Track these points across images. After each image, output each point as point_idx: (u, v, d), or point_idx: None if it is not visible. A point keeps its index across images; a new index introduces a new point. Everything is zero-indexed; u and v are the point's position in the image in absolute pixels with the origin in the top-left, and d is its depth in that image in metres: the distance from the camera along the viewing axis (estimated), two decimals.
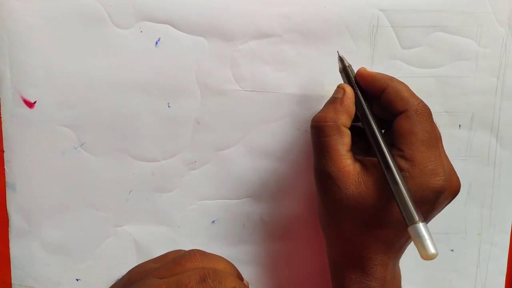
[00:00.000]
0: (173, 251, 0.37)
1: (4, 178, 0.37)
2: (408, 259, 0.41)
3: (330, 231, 0.34)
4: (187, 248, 0.36)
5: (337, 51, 0.35)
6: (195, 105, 0.37)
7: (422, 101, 0.32)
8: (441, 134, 0.39)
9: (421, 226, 0.28)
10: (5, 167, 0.37)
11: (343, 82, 0.34)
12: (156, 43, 0.36)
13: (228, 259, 0.32)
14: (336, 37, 0.37)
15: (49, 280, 0.38)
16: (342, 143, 0.31)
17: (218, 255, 0.32)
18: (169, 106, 0.37)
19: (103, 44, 0.35)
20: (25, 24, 0.35)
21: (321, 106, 0.38)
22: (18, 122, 0.36)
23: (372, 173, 0.31)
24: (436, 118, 0.39)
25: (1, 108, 0.36)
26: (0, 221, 0.37)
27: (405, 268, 0.41)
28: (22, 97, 0.36)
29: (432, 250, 0.27)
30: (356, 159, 0.32)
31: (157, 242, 0.39)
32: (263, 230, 0.39)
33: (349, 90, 0.33)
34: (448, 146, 0.40)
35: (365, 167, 0.32)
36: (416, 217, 0.28)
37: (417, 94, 0.39)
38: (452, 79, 0.39)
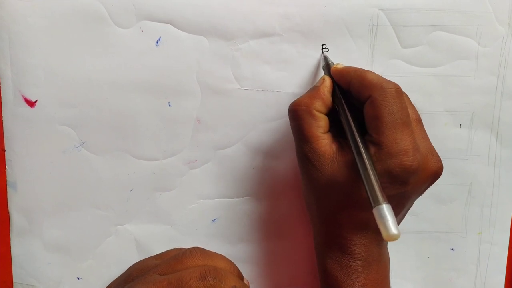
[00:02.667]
0: (174, 248, 0.37)
1: (5, 177, 0.37)
2: (408, 258, 0.41)
3: (311, 211, 0.35)
4: (187, 247, 0.36)
5: (322, 49, 0.37)
6: (196, 104, 0.37)
7: (386, 83, 0.31)
8: (442, 134, 0.39)
9: (384, 207, 0.28)
10: (6, 166, 0.37)
11: None
12: (157, 42, 0.36)
13: (228, 258, 0.32)
14: (336, 37, 0.37)
15: (50, 279, 0.38)
16: (317, 126, 0.33)
17: (218, 253, 0.32)
18: (169, 105, 0.37)
19: (104, 43, 0.36)
20: (26, 23, 0.35)
21: None
22: (19, 121, 0.36)
23: (346, 154, 0.32)
24: (436, 118, 0.39)
25: (2, 107, 0.36)
26: (1, 220, 0.37)
27: (405, 267, 0.41)
28: (23, 96, 0.36)
29: (393, 230, 0.27)
30: (335, 140, 0.33)
31: (157, 241, 0.39)
32: (263, 229, 0.39)
33: (328, 80, 0.34)
34: (449, 145, 0.40)
35: (341, 148, 0.32)
36: (380, 199, 0.28)
37: (417, 94, 0.39)
38: (452, 78, 0.39)
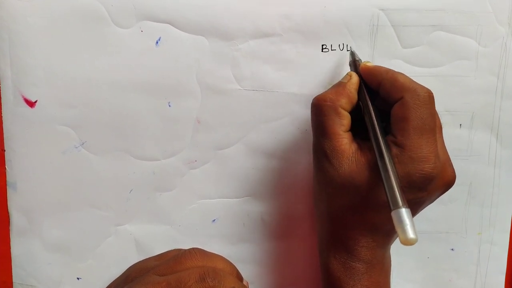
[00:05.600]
0: (174, 249, 0.37)
1: (5, 177, 0.37)
2: (408, 258, 0.41)
3: (320, 208, 0.35)
4: (187, 247, 0.36)
5: (350, 47, 0.37)
6: (196, 104, 0.37)
7: (420, 88, 0.31)
8: (442, 134, 0.39)
9: (403, 211, 0.28)
10: (6, 166, 0.37)
11: None
12: (157, 42, 0.36)
13: (228, 258, 0.32)
14: (336, 37, 0.37)
15: (50, 279, 0.38)
16: (340, 124, 0.32)
17: (218, 254, 0.32)
18: (169, 106, 0.37)
19: (104, 43, 0.35)
20: (26, 23, 0.35)
21: None
22: (19, 122, 0.36)
23: (366, 154, 0.32)
24: None
25: (2, 108, 0.36)
26: (1, 220, 0.37)
27: (405, 267, 0.41)
28: (23, 97, 0.36)
29: (411, 235, 0.27)
30: (355, 140, 0.33)
31: (157, 241, 0.39)
32: (263, 229, 0.40)
33: (355, 77, 0.34)
34: (449, 145, 0.39)
35: (361, 148, 0.32)
36: (400, 202, 0.28)
37: None
38: (452, 78, 0.39)
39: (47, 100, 0.36)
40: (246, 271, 0.40)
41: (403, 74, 0.32)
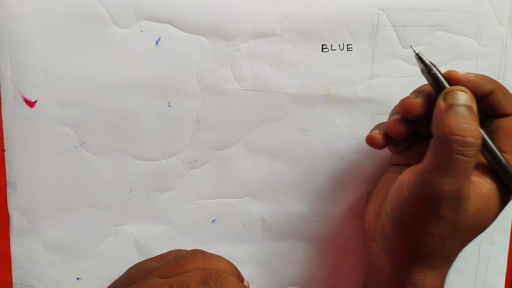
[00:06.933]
0: (174, 250, 0.37)
1: (5, 177, 0.37)
2: None
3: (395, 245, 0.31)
4: (187, 248, 0.36)
5: (413, 49, 0.31)
6: (196, 104, 0.37)
7: None
8: None
9: None
10: (5, 167, 0.37)
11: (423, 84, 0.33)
12: (157, 42, 0.36)
13: (228, 258, 0.32)
14: (336, 37, 0.37)
15: (49, 279, 0.38)
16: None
17: (219, 255, 0.32)
18: (169, 106, 0.37)
19: (104, 43, 0.35)
20: (26, 23, 0.35)
21: (321, 105, 0.38)
22: (18, 122, 0.36)
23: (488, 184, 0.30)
24: None
25: (2, 108, 0.36)
26: (1, 220, 0.37)
27: None
28: (22, 97, 0.36)
29: None
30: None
31: (157, 241, 0.39)
32: (263, 229, 0.39)
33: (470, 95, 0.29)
34: None
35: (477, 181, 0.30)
36: None
37: None
38: None
39: (47, 100, 0.36)
40: (246, 271, 0.40)
41: (504, 87, 0.31)
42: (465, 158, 0.27)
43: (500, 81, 0.39)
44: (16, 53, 0.35)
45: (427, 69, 0.31)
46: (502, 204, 0.31)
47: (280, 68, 0.37)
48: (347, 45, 0.37)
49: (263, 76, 0.37)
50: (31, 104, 0.36)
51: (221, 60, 0.37)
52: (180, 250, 0.37)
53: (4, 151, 0.36)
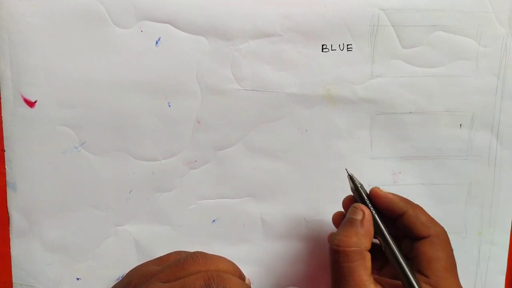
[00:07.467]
0: (174, 252, 0.37)
1: (5, 177, 0.37)
2: None
3: None
4: (187, 248, 0.36)
5: (346, 169, 0.36)
6: (196, 104, 0.37)
7: (441, 226, 0.33)
8: (442, 134, 0.39)
9: None
10: (5, 167, 0.37)
11: (353, 194, 0.35)
12: (157, 42, 0.36)
13: (229, 258, 0.32)
14: (336, 37, 0.37)
15: (49, 279, 0.38)
16: (365, 268, 0.31)
17: (219, 256, 0.32)
18: (169, 106, 0.37)
19: (104, 43, 0.35)
20: (26, 24, 0.35)
21: (321, 105, 0.38)
22: (18, 122, 0.36)
23: None
24: (436, 118, 0.39)
25: (1, 108, 0.36)
26: (1, 220, 0.37)
27: None
28: (22, 97, 0.36)
29: None
30: (377, 283, 0.32)
31: (157, 241, 0.39)
32: (263, 230, 0.39)
33: (367, 211, 0.33)
34: (449, 145, 0.40)
35: None
36: None
37: (417, 94, 0.39)
38: (452, 78, 0.39)
39: (47, 100, 0.36)
40: (246, 272, 0.40)
41: (421, 207, 0.33)
42: (341, 264, 0.31)
43: (500, 81, 0.39)
44: (16, 53, 0.35)
45: (355, 187, 0.34)
46: None
47: (280, 68, 0.37)
48: (347, 45, 0.37)
49: (263, 76, 0.37)
50: (31, 104, 0.36)
51: (221, 60, 0.37)
52: (180, 253, 0.36)
53: (4, 151, 0.36)
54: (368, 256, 0.31)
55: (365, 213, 0.32)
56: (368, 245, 0.32)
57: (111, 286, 0.35)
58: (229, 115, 0.37)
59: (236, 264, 0.32)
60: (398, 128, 0.39)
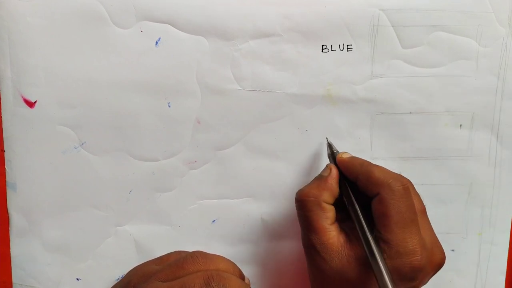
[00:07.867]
0: (174, 252, 0.37)
1: (5, 177, 0.37)
2: None
3: None
4: (187, 248, 0.36)
5: (326, 138, 0.38)
6: (196, 104, 0.37)
7: (394, 182, 0.32)
8: (442, 134, 0.39)
9: None
10: (5, 167, 0.37)
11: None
12: (157, 42, 0.36)
13: (228, 259, 0.32)
14: (336, 37, 0.37)
15: (49, 279, 0.38)
16: (325, 217, 0.33)
17: (219, 255, 0.32)
18: (169, 106, 0.37)
19: (104, 43, 0.35)
20: (26, 23, 0.35)
21: (321, 105, 0.38)
22: (18, 122, 0.36)
23: (355, 248, 0.32)
24: (436, 118, 0.39)
25: (1, 108, 0.36)
26: (1, 220, 0.37)
27: None
28: (22, 97, 0.36)
29: None
30: (342, 231, 0.33)
31: (157, 241, 0.39)
32: (263, 230, 0.39)
33: (334, 170, 0.35)
34: (449, 146, 0.40)
35: (349, 240, 0.33)
36: None
37: (417, 94, 0.39)
38: (452, 78, 0.39)
39: (47, 100, 0.36)
40: (246, 272, 0.39)
41: (378, 167, 0.33)
42: (302, 213, 0.34)
43: (500, 81, 0.39)
44: (16, 53, 0.35)
45: (331, 153, 0.37)
46: (366, 267, 0.32)
47: (280, 68, 0.37)
48: (347, 45, 0.37)
49: (263, 76, 0.37)
50: (31, 104, 0.36)
51: (221, 60, 0.37)
52: (180, 252, 0.36)
53: (4, 151, 0.36)
54: (328, 208, 0.33)
55: (331, 171, 0.34)
56: (328, 199, 0.33)
57: (111, 286, 0.35)
58: (229, 115, 0.37)
59: (236, 264, 0.32)
60: (398, 128, 0.39)
